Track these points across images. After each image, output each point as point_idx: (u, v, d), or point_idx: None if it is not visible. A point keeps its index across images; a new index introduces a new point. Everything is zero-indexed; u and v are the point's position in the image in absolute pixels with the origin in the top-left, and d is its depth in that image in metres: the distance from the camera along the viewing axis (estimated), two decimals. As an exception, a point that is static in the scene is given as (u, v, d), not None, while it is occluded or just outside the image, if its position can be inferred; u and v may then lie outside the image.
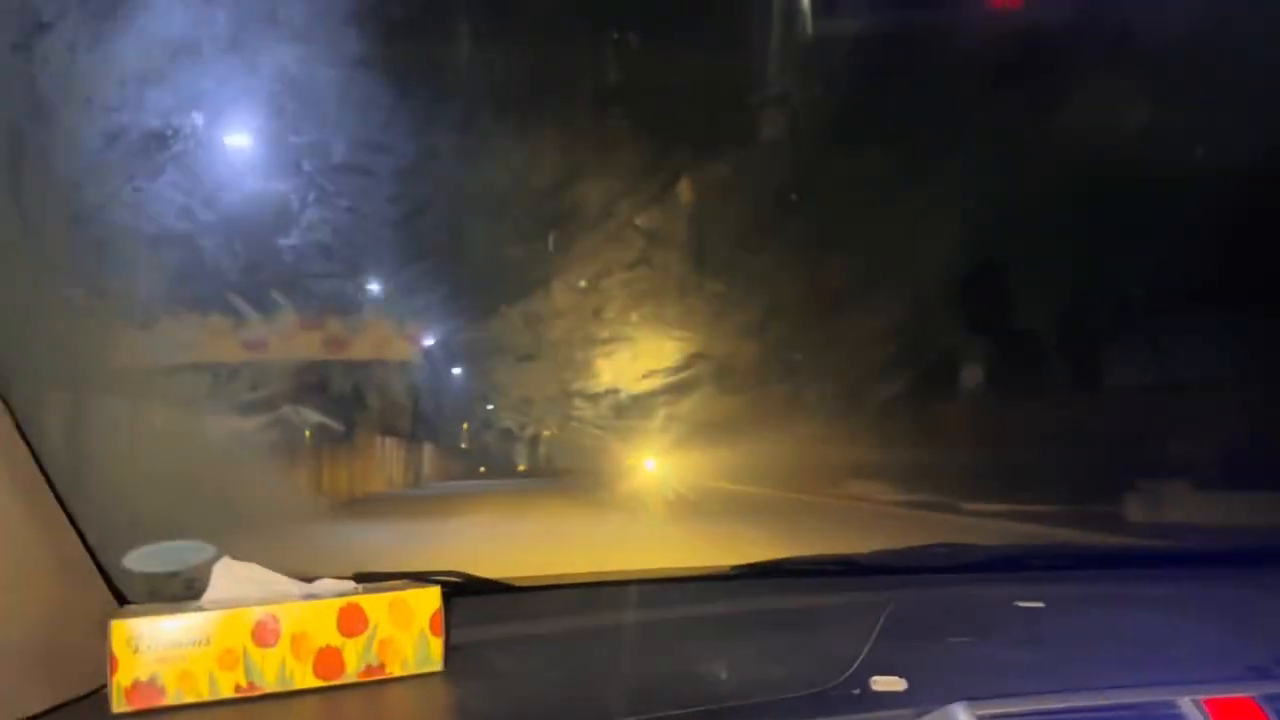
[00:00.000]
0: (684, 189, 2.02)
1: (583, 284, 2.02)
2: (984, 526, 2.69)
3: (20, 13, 1.43)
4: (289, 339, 1.80)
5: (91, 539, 1.37)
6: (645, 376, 2.18)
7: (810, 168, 2.17)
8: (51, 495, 1.34)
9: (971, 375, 2.73)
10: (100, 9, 1.46)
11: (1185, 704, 1.10)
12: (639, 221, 1.99)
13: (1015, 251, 2.47)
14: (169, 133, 1.55)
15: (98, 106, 1.51)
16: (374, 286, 1.90)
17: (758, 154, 2.08)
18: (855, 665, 1.28)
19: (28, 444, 1.32)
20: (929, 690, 1.17)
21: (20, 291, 1.48)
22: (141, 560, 1.44)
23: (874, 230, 2.27)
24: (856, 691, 1.19)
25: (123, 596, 1.41)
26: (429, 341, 2.09)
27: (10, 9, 1.43)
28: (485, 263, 1.97)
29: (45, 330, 1.53)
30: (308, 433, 1.96)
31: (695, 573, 1.87)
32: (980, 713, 1.06)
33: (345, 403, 2.03)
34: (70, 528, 1.35)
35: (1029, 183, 2.34)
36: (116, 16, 1.47)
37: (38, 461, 1.32)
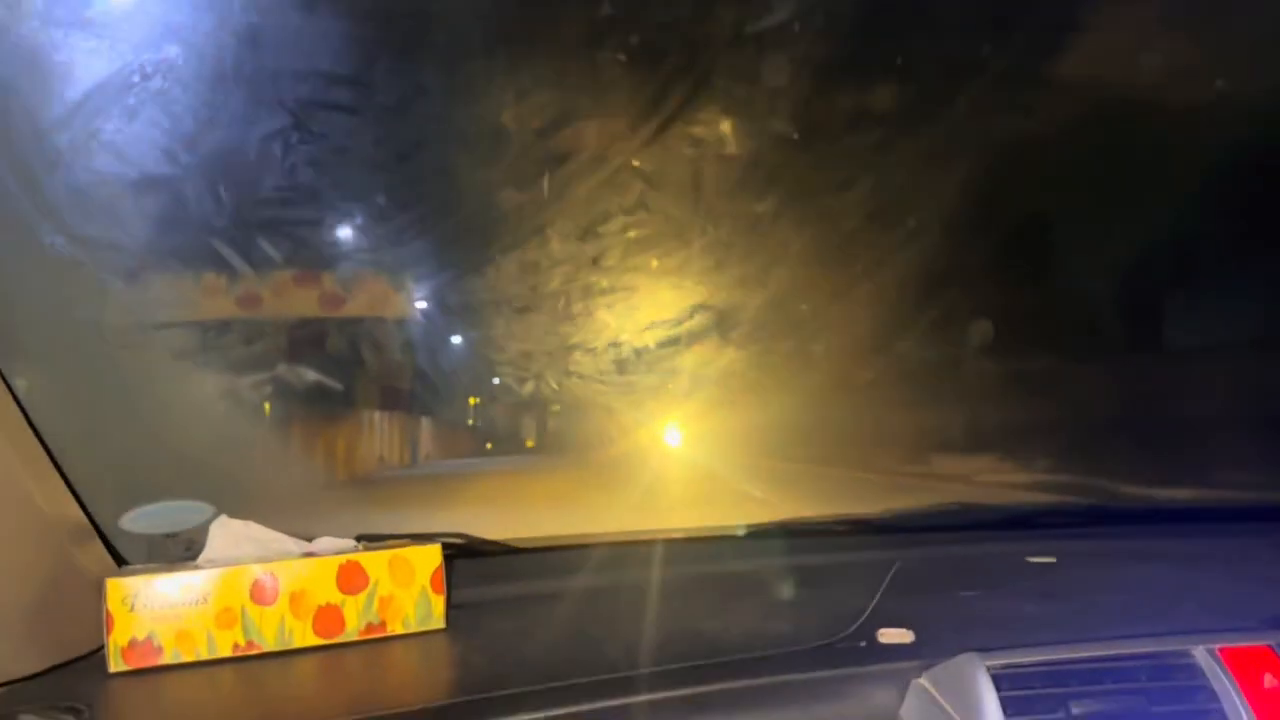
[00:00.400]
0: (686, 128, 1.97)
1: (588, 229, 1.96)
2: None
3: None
4: (283, 295, 1.78)
5: (88, 501, 1.36)
6: (670, 327, 2.13)
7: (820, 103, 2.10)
8: (47, 457, 1.32)
9: (1002, 331, 2.67)
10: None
11: (1200, 653, 1.08)
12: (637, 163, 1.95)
13: (1043, 199, 2.39)
14: (146, 73, 1.52)
15: (71, 43, 1.48)
16: (366, 238, 1.87)
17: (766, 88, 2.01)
18: (863, 618, 1.26)
19: (21, 406, 1.30)
20: (937, 642, 1.15)
21: (7, 250, 1.46)
22: (138, 521, 1.42)
23: (885, 171, 2.20)
24: (864, 644, 1.18)
25: (120, 558, 1.39)
26: (427, 294, 2.06)
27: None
28: (481, 209, 1.93)
29: (36, 289, 1.51)
30: (303, 391, 1.93)
31: (703, 533, 1.86)
32: (989, 663, 1.04)
33: (341, 360, 2.00)
34: (66, 489, 1.34)
35: (1061, 120, 2.25)
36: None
37: (31, 423, 1.31)
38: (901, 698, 1.09)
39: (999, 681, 1.02)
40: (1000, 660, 1.05)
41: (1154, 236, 2.38)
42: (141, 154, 1.56)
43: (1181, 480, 2.33)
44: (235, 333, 1.78)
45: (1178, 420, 2.50)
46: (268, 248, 1.72)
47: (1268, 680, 1.06)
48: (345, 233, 1.84)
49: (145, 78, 1.51)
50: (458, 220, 1.92)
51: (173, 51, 1.53)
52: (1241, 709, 1.03)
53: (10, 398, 1.29)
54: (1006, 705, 1.00)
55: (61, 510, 1.32)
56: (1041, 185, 2.34)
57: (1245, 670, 1.06)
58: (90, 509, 1.37)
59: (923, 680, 1.09)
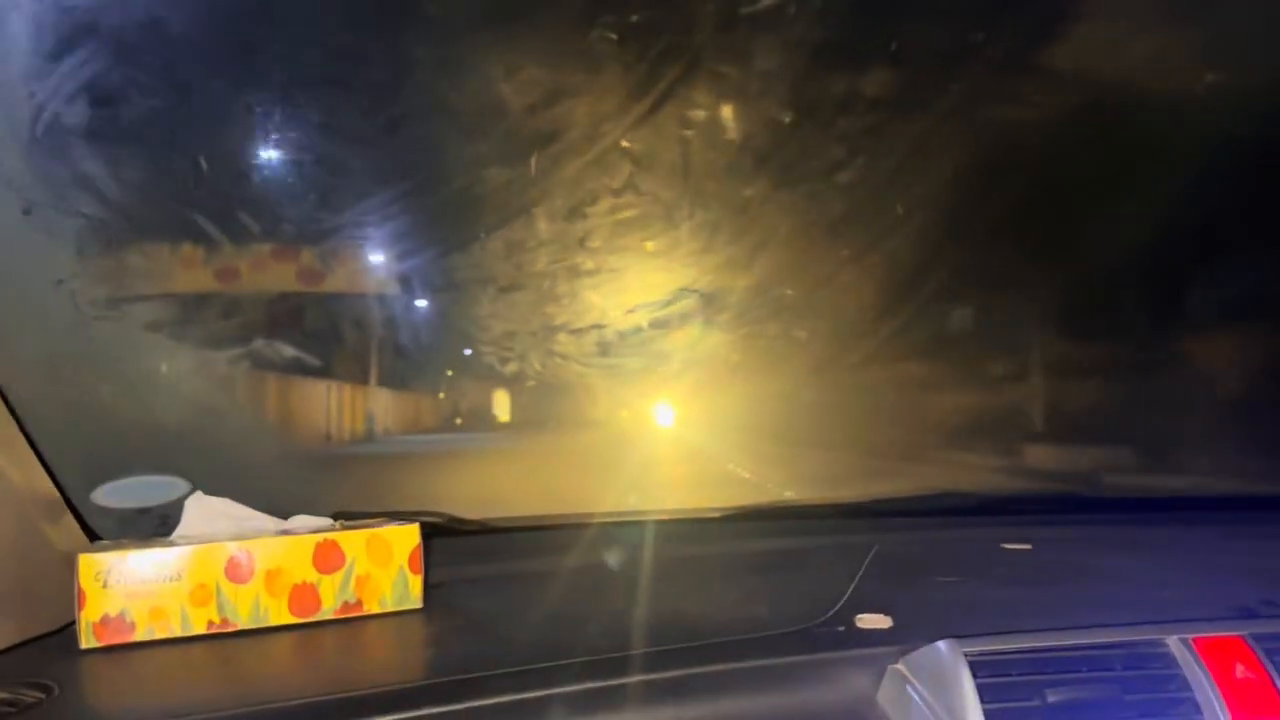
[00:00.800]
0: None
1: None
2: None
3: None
4: (261, 269, 1.77)
5: (60, 474, 1.35)
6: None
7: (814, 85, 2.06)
8: (18, 430, 1.31)
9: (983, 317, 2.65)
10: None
11: (1173, 643, 1.09)
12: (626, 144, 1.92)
13: (1037, 186, 2.36)
14: (122, 36, 1.48)
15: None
16: (347, 213, 1.84)
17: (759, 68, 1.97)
18: (840, 603, 1.27)
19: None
20: (914, 628, 1.15)
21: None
22: (112, 495, 1.41)
23: (886, 156, 2.17)
24: (841, 629, 1.18)
25: (93, 533, 1.38)
26: (409, 271, 2.03)
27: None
28: (468, 186, 1.90)
29: (4, 259, 1.48)
30: (282, 367, 1.92)
31: (681, 515, 1.86)
32: (966, 650, 1.05)
33: (320, 336, 1.98)
34: (38, 463, 1.32)
35: (1062, 106, 2.23)
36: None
37: (3, 395, 1.29)
38: (878, 683, 1.09)
39: (976, 668, 1.03)
40: (977, 647, 1.06)
41: (1144, 225, 2.37)
42: (116, 121, 1.53)
43: (1159, 470, 2.35)
44: (212, 306, 1.76)
45: (1156, 410, 2.50)
46: (246, 220, 1.70)
47: (1240, 670, 1.07)
48: (326, 207, 1.81)
49: (121, 41, 1.48)
50: (442, 197, 1.90)
51: (151, 13, 1.49)
52: (1214, 699, 1.04)
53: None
54: (983, 692, 1.00)
55: (32, 484, 1.31)
56: (1039, 172, 2.32)
57: (1218, 660, 1.07)
58: (62, 483, 1.35)
59: (900, 666, 1.09)
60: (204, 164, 1.61)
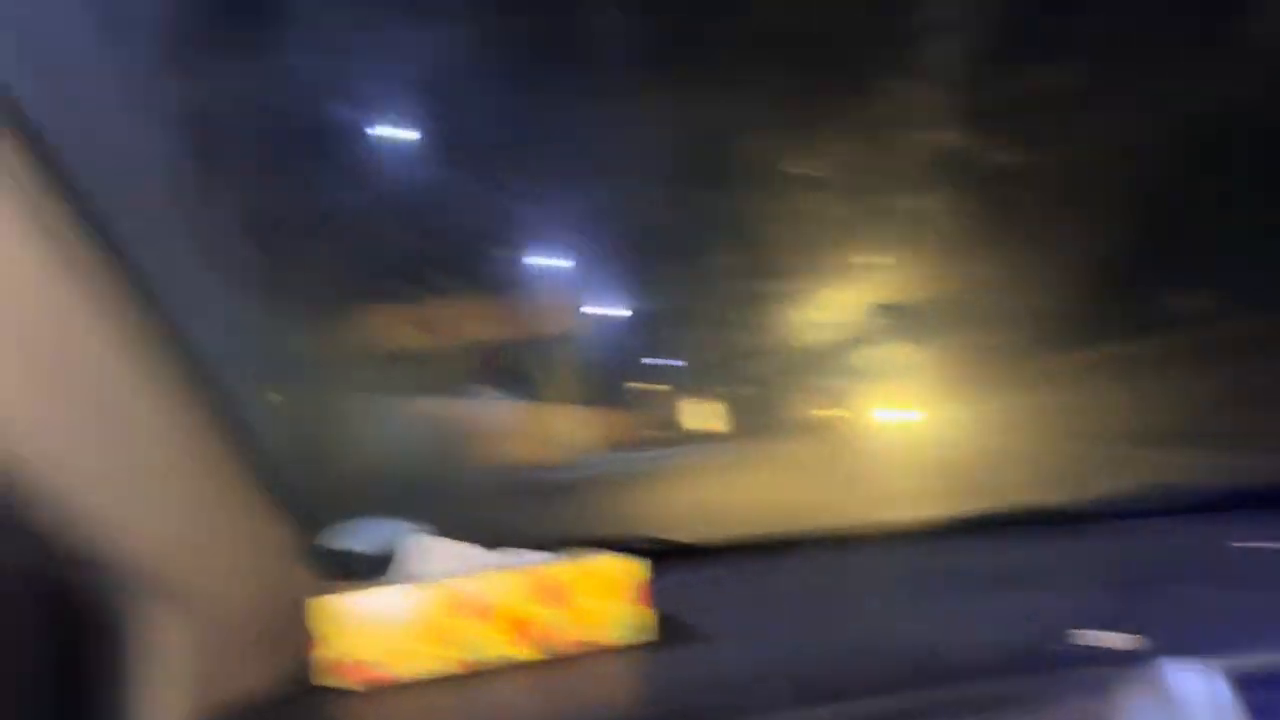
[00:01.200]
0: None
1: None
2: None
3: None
4: (465, 321, 1.82)
5: (292, 518, 1.39)
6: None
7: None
8: (251, 477, 1.36)
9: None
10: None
11: None
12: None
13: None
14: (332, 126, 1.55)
15: (267, 102, 1.51)
16: (539, 262, 1.88)
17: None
18: (1077, 619, 1.18)
19: (229, 428, 1.34)
20: (1166, 643, 1.06)
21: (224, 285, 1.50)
22: (340, 538, 1.46)
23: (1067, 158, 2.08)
24: (1080, 646, 1.10)
25: (323, 576, 1.42)
26: (602, 311, 2.06)
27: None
28: (650, 227, 1.91)
29: (246, 323, 1.55)
30: (500, 407, 1.97)
31: (900, 529, 1.80)
32: (1229, 667, 0.95)
33: (523, 377, 2.03)
34: (273, 507, 1.37)
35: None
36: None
37: (234, 443, 1.35)
38: (1129, 707, 1.01)
39: (1242, 687, 0.93)
40: (1241, 664, 0.96)
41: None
42: (344, 210, 1.59)
43: None
44: (423, 354, 1.82)
45: None
46: (462, 274, 1.75)
47: None
48: (544, 256, 1.86)
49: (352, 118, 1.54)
50: (643, 234, 1.92)
51: (373, 96, 1.55)
52: None
53: (223, 422, 1.33)
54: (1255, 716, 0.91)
55: (263, 529, 1.36)
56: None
57: None
58: (291, 527, 1.40)
59: (1150, 686, 1.01)
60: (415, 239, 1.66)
